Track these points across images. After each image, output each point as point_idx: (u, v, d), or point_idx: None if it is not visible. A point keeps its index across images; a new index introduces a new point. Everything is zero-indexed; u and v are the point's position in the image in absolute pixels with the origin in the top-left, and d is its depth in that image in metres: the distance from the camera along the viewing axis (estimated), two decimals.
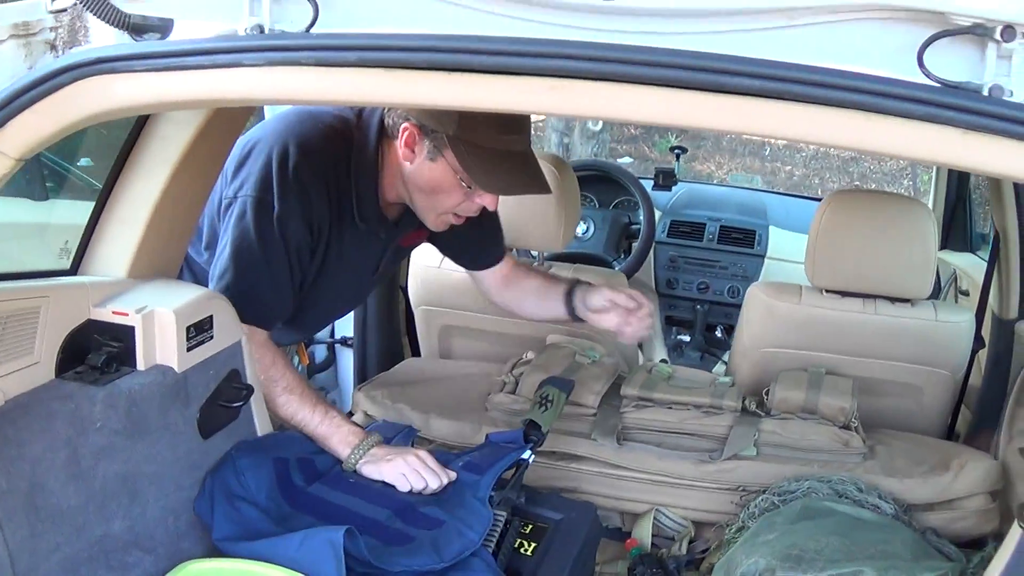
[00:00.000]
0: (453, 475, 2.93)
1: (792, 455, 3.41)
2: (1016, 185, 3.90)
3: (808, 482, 3.22)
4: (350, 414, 3.71)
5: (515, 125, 2.90)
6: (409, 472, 2.87)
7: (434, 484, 2.87)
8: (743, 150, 17.49)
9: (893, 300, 3.71)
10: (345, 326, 4.69)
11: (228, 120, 2.69)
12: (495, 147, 2.83)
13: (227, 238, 2.97)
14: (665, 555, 3.20)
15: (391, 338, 4.60)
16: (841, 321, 3.72)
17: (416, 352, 4.64)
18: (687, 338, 6.08)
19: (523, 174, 2.94)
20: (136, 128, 2.61)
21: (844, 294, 3.73)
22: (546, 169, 3.66)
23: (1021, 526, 2.57)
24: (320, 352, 4.84)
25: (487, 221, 3.37)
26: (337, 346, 4.78)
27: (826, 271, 3.68)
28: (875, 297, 3.72)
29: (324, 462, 2.97)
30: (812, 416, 3.49)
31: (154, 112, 2.47)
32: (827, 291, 3.74)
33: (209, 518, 2.57)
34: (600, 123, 13.62)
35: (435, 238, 3.47)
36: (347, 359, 4.73)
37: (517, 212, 3.69)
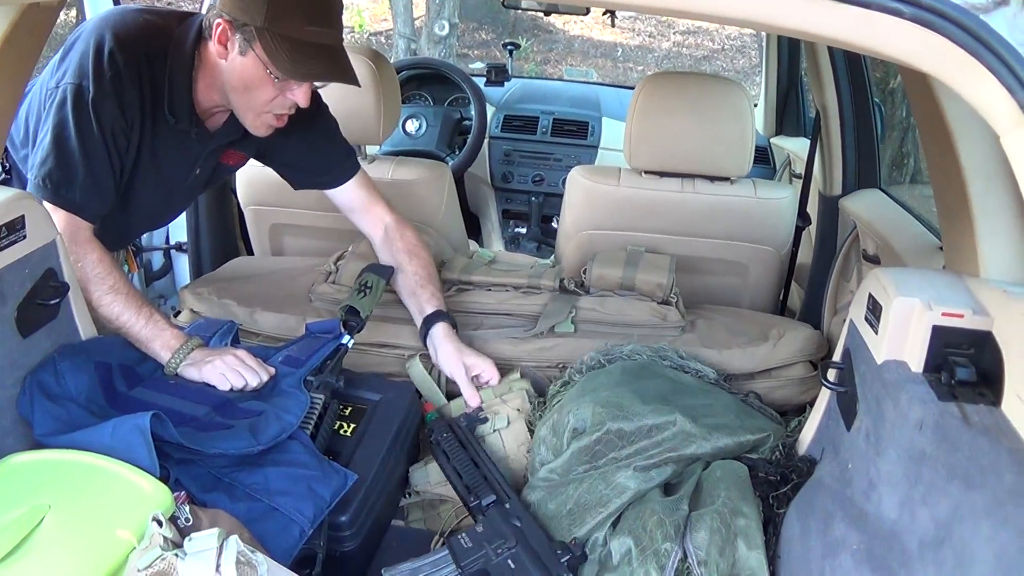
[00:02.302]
0: (272, 371, 3.01)
1: (610, 330, 3.50)
2: (834, 62, 4.02)
3: (631, 345, 3.35)
4: (177, 313, 3.77)
5: (323, 18, 2.94)
6: (228, 371, 2.95)
7: (254, 381, 2.95)
8: (595, 52, 17.52)
9: (712, 179, 3.81)
10: (180, 231, 4.70)
11: (40, 19, 2.71)
12: (302, 38, 2.87)
13: (47, 126, 3.00)
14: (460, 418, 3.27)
15: (224, 241, 4.61)
16: (660, 201, 3.81)
17: (251, 253, 4.67)
18: (523, 230, 6.14)
19: (331, 64, 2.97)
20: None
21: (662, 174, 3.81)
22: (364, 64, 3.73)
23: (824, 383, 2.72)
24: (156, 259, 4.83)
25: (319, 137, 3.44)
26: (173, 252, 4.77)
27: (643, 152, 3.77)
28: (694, 176, 3.81)
29: (146, 369, 3.03)
30: (630, 292, 3.58)
31: None
32: (645, 172, 3.82)
33: (30, 416, 2.63)
34: (446, 28, 13.61)
35: (264, 156, 3.52)
36: (183, 265, 4.74)
37: (334, 106, 3.74)
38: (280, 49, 2.86)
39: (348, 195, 3.53)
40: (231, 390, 2.94)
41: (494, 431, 3.21)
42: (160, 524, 1.92)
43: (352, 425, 3.03)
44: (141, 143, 3.13)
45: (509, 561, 2.54)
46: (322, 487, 2.64)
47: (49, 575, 2.03)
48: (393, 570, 2.69)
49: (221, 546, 1.88)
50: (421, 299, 3.41)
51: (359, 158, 3.98)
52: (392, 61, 4.44)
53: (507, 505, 2.74)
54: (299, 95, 3.03)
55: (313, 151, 3.48)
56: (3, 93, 2.76)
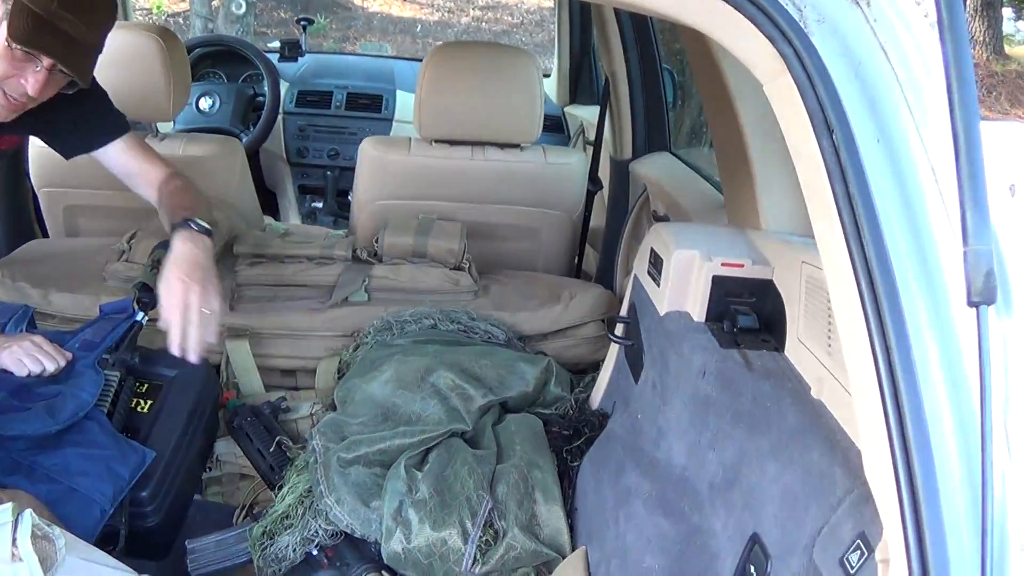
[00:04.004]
0: (69, 355, 2.99)
1: (404, 297, 3.58)
2: (622, 29, 4.12)
3: (422, 308, 3.46)
4: None
5: (75, 6, 2.86)
6: (25, 357, 2.92)
7: (51, 367, 2.93)
8: (394, 28, 17.51)
9: (502, 146, 3.88)
10: None
11: None
12: (48, 17, 2.79)
13: None
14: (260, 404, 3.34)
15: (18, 224, 4.53)
16: (451, 169, 3.87)
17: (46, 236, 4.58)
18: (320, 204, 6.17)
19: (67, 51, 2.87)
20: None
21: (453, 143, 3.87)
22: (152, 40, 3.72)
23: (611, 338, 2.81)
24: None
25: (88, 110, 3.35)
26: None
27: (433, 122, 3.81)
28: (484, 144, 3.88)
29: None
30: (423, 260, 3.65)
31: None
32: (436, 141, 3.88)
33: None
34: (243, 7, 13.50)
35: (39, 133, 3.45)
36: None
37: (123, 83, 3.71)
38: (22, 17, 2.78)
39: (118, 159, 3.44)
40: (28, 376, 2.92)
41: (294, 421, 3.30)
42: None
43: (149, 402, 3.04)
44: None
45: None
46: (120, 466, 2.66)
47: None
48: (197, 542, 2.73)
49: (16, 520, 1.89)
50: (175, 215, 3.19)
51: (152, 136, 3.98)
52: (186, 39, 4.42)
53: None
54: (30, 82, 2.90)
55: (83, 122, 3.40)
56: None
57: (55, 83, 2.95)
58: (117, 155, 3.41)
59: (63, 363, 2.96)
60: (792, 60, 1.47)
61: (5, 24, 2.80)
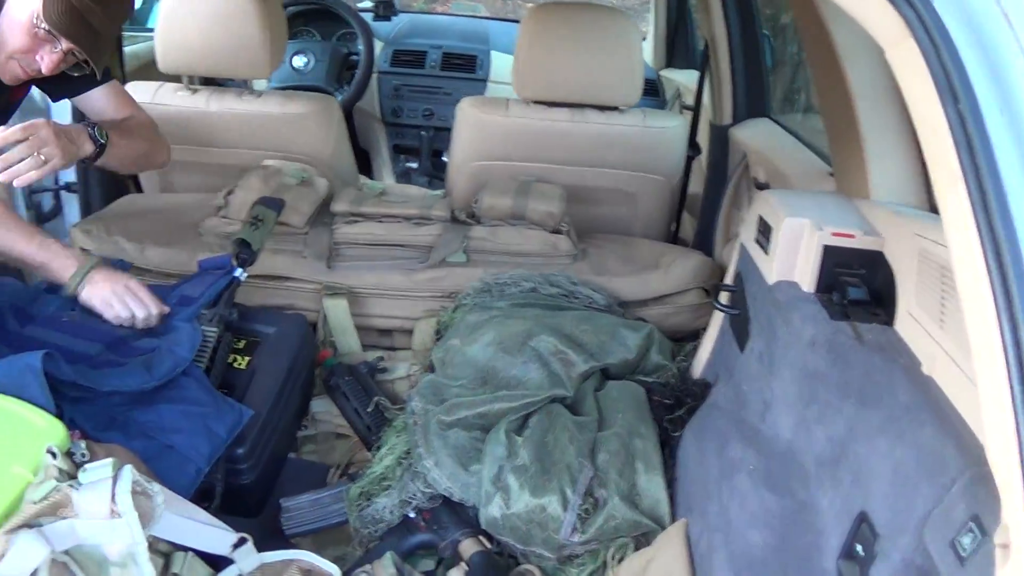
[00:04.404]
0: (166, 308, 2.97)
1: (502, 260, 3.54)
2: None
3: (522, 271, 3.42)
4: None
5: (106, 3, 2.92)
6: (114, 299, 2.91)
7: (140, 314, 2.91)
8: None
9: (602, 108, 3.82)
10: (69, 172, 4.63)
11: None
12: (80, 7, 2.83)
13: None
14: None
15: (114, 180, 4.55)
16: (549, 131, 3.81)
17: (141, 192, 4.60)
18: (414, 164, 6.14)
19: (91, 42, 2.93)
20: None
21: (552, 104, 3.82)
22: None
23: (716, 306, 2.75)
24: (46, 201, 4.77)
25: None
26: (62, 193, 4.71)
27: (531, 82, 3.77)
28: (583, 106, 3.82)
29: (39, 308, 2.99)
30: (521, 222, 3.60)
31: None
32: (534, 102, 3.83)
33: None
34: None
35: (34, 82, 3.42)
36: (73, 205, 4.68)
37: (220, 40, 3.71)
38: (58, 2, 2.81)
39: (95, 105, 3.43)
40: (121, 326, 2.91)
41: (391, 381, 3.29)
42: (54, 456, 1.91)
43: (246, 358, 3.04)
44: None
45: None
46: (218, 424, 2.64)
47: None
48: (292, 501, 2.71)
49: (116, 476, 1.87)
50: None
51: (248, 93, 3.96)
52: None
53: None
54: (46, 60, 2.94)
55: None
56: None
57: (65, 64, 2.98)
58: (95, 102, 3.42)
59: (155, 313, 2.94)
60: (915, 24, 1.40)
61: (41, 2, 2.82)
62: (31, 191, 4.54)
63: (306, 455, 3.17)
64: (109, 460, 1.92)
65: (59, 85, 3.35)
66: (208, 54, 3.74)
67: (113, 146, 3.16)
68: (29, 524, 1.81)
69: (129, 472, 1.89)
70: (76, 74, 3.05)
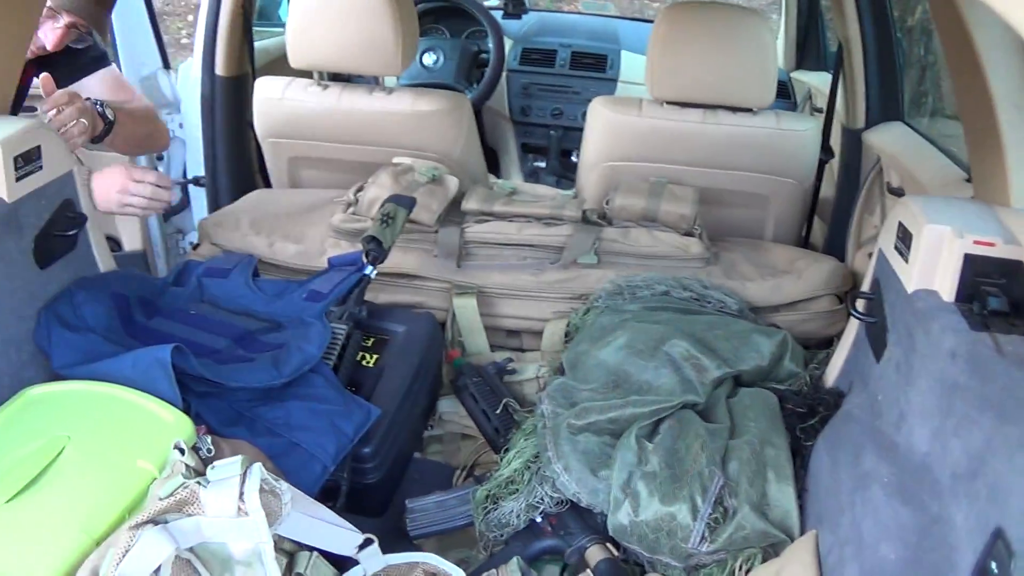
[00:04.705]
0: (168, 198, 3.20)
1: (634, 262, 3.47)
2: None
3: (654, 274, 3.35)
4: (196, 246, 3.76)
5: None
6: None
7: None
8: None
9: (734, 110, 3.76)
10: (198, 166, 4.68)
11: None
12: None
13: None
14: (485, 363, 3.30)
15: (242, 174, 4.58)
16: (682, 131, 3.75)
17: (269, 187, 4.60)
18: (543, 164, 6.10)
19: (87, 9, 3.05)
20: None
21: (684, 105, 3.76)
22: None
23: (852, 314, 2.68)
24: (175, 194, 4.82)
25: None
26: (191, 186, 4.75)
27: (665, 82, 3.71)
28: (716, 107, 3.76)
29: (165, 301, 3.02)
30: (653, 224, 3.54)
31: None
32: (667, 103, 3.77)
33: (47, 347, 2.61)
34: None
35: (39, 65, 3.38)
36: (201, 199, 4.72)
37: (351, 37, 3.70)
38: None
39: (93, 89, 3.42)
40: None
41: (520, 383, 3.25)
42: (182, 452, 1.89)
43: (375, 356, 3.03)
44: None
45: None
46: (345, 422, 2.62)
47: (68, 507, 2.02)
48: (417, 502, 2.68)
49: (244, 474, 1.85)
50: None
51: (379, 90, 3.94)
52: None
53: None
54: (50, 37, 3.04)
55: (73, 55, 3.41)
56: (15, 27, 2.76)
57: (69, 38, 3.09)
58: (95, 85, 3.45)
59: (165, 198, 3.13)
60: None
61: None
62: None
63: (431, 455, 3.15)
64: (238, 458, 1.90)
65: (66, 67, 3.36)
66: (339, 50, 3.73)
67: (120, 124, 3.22)
68: (155, 520, 1.80)
69: (258, 470, 1.86)
70: (81, 46, 3.15)
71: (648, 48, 3.72)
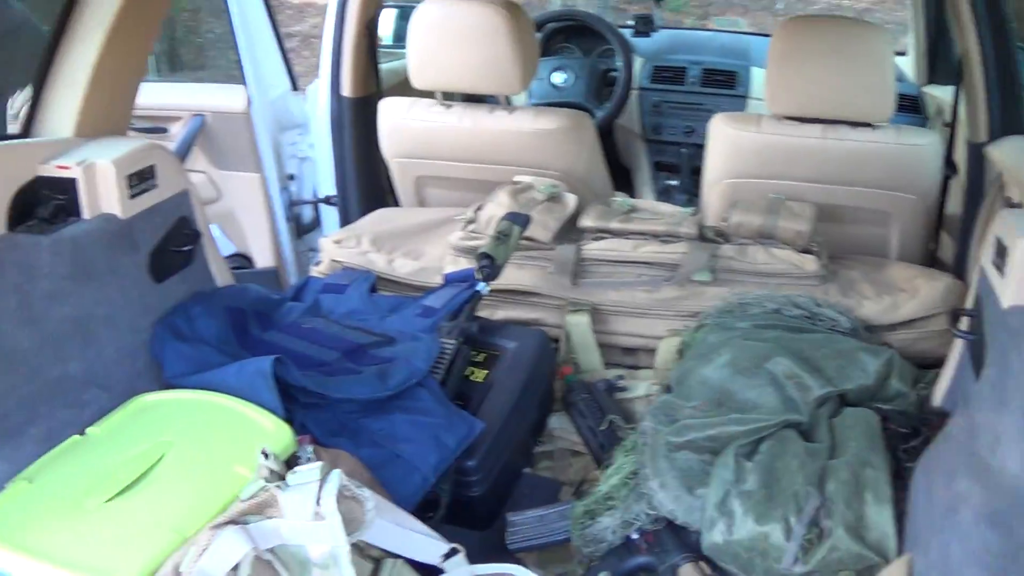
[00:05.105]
0: None
1: (749, 280, 3.45)
2: (974, 3, 3.91)
3: (765, 292, 3.33)
4: (318, 263, 3.83)
5: None
6: None
7: None
8: (755, 6, 17.31)
9: (854, 125, 3.73)
10: (330, 186, 4.76)
11: None
12: None
13: None
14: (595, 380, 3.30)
15: (372, 193, 4.64)
16: (800, 147, 3.71)
17: (399, 206, 4.67)
18: (675, 182, 6.08)
19: None
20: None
21: (803, 120, 3.74)
22: (496, 13, 3.72)
23: (953, 332, 2.65)
24: (307, 212, 4.91)
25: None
26: (321, 205, 4.84)
27: (783, 97, 3.68)
28: (835, 122, 3.74)
29: (281, 315, 3.10)
30: (770, 241, 3.52)
31: None
32: (786, 118, 3.75)
33: (161, 357, 2.71)
34: None
35: None
36: (332, 217, 4.80)
37: (470, 57, 3.76)
38: None
39: None
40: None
41: (630, 400, 3.23)
42: (267, 457, 1.95)
43: (484, 371, 3.05)
44: None
45: None
46: (448, 435, 2.65)
47: (163, 508, 2.10)
48: (518, 515, 2.70)
49: (324, 479, 1.90)
50: None
51: (502, 109, 3.98)
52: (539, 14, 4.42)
53: None
54: None
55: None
56: (133, 51, 2.86)
57: None
58: None
59: None
60: None
61: None
62: (291, 202, 4.68)
63: (541, 471, 3.15)
64: (318, 464, 1.95)
65: None
66: (459, 71, 3.78)
67: None
68: (235, 521, 1.86)
69: (337, 476, 1.91)
70: None
71: (767, 63, 3.71)
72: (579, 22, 6.05)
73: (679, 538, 2.51)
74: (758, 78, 5.84)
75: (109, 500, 2.12)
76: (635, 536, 2.55)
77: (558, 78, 5.72)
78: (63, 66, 2.83)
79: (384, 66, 4.79)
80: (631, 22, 6.33)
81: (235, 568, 1.80)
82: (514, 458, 3.02)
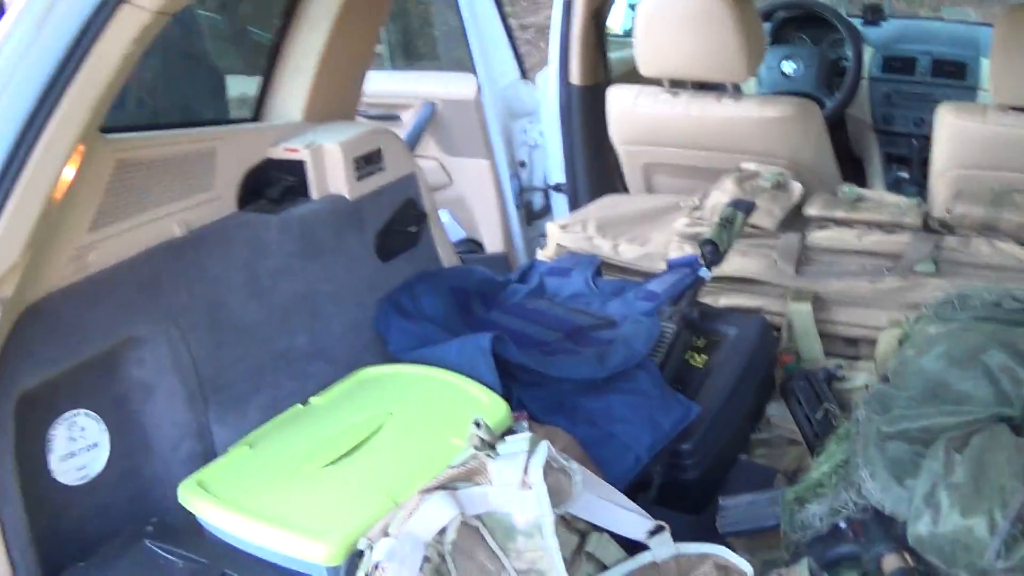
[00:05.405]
0: None
1: (972, 272, 3.37)
2: None
3: (986, 284, 3.23)
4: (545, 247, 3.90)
5: None
6: None
7: None
8: None
9: None
10: (559, 173, 4.82)
11: None
12: None
13: None
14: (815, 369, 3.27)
15: (601, 180, 4.68)
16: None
17: (626, 192, 4.69)
18: (906, 174, 5.98)
19: None
20: None
21: None
22: (720, 1, 3.73)
23: None
24: (537, 199, 4.97)
25: None
26: (551, 192, 4.90)
27: (1007, 87, 3.58)
28: None
29: (506, 295, 3.17)
30: (994, 233, 3.44)
31: None
32: (1012, 108, 3.67)
33: (386, 332, 2.81)
34: None
35: None
36: (562, 204, 4.85)
37: (695, 45, 3.78)
38: None
39: None
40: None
41: (848, 391, 3.21)
42: (479, 426, 2.00)
43: (704, 357, 3.06)
44: None
45: None
46: (663, 417, 2.67)
47: (379, 474, 2.20)
48: (730, 499, 2.71)
49: (532, 450, 1.94)
50: None
51: (728, 96, 3.99)
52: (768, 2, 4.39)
53: None
54: None
55: None
56: (359, 39, 2.96)
57: None
58: None
59: None
60: None
61: None
62: (521, 189, 4.74)
63: (757, 458, 3.14)
64: (527, 435, 1.99)
65: None
66: (685, 58, 3.80)
67: None
68: (444, 486, 1.92)
69: (545, 448, 1.95)
70: None
71: (990, 52, 3.63)
72: (809, 10, 5.98)
73: (885, 528, 2.48)
74: (988, 69, 5.71)
75: (326, 466, 2.23)
76: (842, 525, 2.53)
77: (788, 67, 5.66)
78: (291, 54, 2.96)
79: (613, 55, 4.83)
80: (860, 11, 6.24)
81: (442, 531, 1.86)
82: (730, 444, 3.02)
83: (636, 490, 2.53)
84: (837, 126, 4.88)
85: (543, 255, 3.79)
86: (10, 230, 2.00)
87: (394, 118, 4.72)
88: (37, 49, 2.00)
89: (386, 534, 1.89)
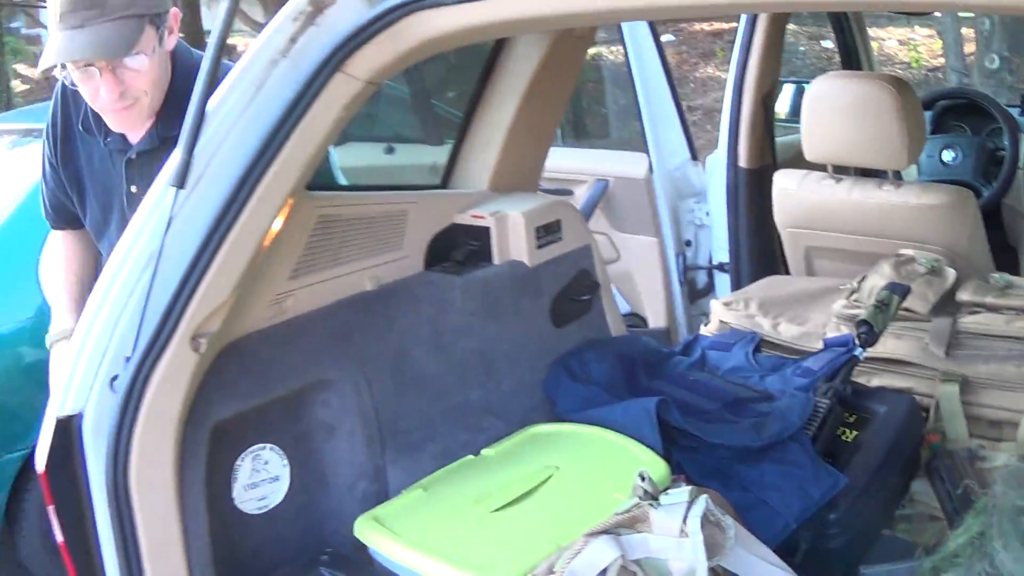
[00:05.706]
0: None
1: None
2: None
3: None
4: (707, 324, 4.04)
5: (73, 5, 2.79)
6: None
7: None
8: None
9: None
10: (724, 252, 4.93)
11: (569, 52, 3.10)
12: (56, 25, 2.80)
13: None
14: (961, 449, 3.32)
15: (763, 261, 4.79)
16: None
17: (789, 274, 4.77)
18: None
19: (81, 44, 2.78)
20: (488, 64, 3.11)
21: None
22: (884, 89, 3.84)
23: None
24: (700, 278, 5.08)
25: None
26: (715, 271, 5.00)
27: None
28: None
29: (669, 366, 3.31)
30: None
31: (472, 39, 2.70)
32: None
33: (555, 395, 3.00)
34: (996, 61, 13.27)
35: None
36: (725, 282, 4.96)
37: (859, 132, 3.90)
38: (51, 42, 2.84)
39: None
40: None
41: (988, 470, 3.26)
42: (643, 479, 2.16)
43: (854, 432, 3.14)
44: (74, 160, 3.23)
45: None
46: (812, 487, 2.79)
47: (543, 521, 2.39)
48: (870, 568, 2.82)
49: (691, 502, 2.09)
50: None
51: (888, 183, 4.10)
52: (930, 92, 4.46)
53: None
54: (101, 92, 2.88)
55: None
56: (544, 116, 3.16)
57: (130, 77, 2.90)
58: None
59: None
60: None
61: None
62: (686, 267, 4.88)
63: (899, 533, 3.20)
64: (688, 487, 2.15)
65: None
66: (849, 145, 3.91)
67: None
68: (608, 531, 2.08)
69: (704, 500, 2.10)
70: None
71: None
72: (969, 100, 6.02)
73: None
74: None
75: (495, 511, 2.43)
76: None
77: (947, 156, 5.69)
78: (481, 126, 3.19)
79: (780, 139, 4.95)
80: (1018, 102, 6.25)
81: (603, 572, 2.01)
82: (875, 516, 3.10)
83: (782, 555, 2.62)
84: (993, 215, 4.93)
85: (706, 330, 3.91)
86: (222, 271, 2.21)
87: (567, 192, 4.88)
88: (255, 109, 2.24)
89: (551, 572, 2.06)
